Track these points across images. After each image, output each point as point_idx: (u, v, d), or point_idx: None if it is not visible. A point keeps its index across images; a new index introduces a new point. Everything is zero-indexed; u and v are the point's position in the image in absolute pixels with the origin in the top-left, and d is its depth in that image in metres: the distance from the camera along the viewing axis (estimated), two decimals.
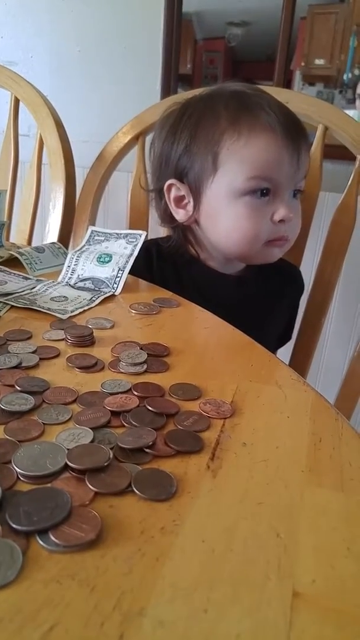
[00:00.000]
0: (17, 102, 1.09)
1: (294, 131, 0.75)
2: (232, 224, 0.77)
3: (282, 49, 1.33)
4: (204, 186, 0.78)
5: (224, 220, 0.78)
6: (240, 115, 0.75)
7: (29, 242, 1.07)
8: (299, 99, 0.92)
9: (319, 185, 0.94)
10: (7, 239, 0.91)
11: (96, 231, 0.71)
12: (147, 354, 0.45)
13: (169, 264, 0.85)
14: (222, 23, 1.43)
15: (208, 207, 0.78)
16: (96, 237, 0.70)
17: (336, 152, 0.98)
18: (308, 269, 0.98)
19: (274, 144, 0.74)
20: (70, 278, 0.65)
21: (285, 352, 0.98)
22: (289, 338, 0.98)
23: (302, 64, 1.38)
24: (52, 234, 1.01)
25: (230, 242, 0.79)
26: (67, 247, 0.79)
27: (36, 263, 0.70)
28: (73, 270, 0.65)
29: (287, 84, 1.37)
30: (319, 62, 1.37)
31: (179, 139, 0.79)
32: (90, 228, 0.71)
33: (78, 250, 0.68)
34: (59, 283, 0.64)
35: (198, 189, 0.78)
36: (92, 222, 1.06)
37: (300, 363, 0.98)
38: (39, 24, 1.43)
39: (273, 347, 0.52)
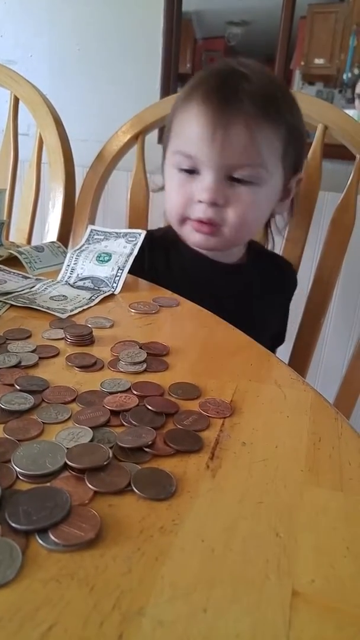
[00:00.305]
0: (16, 101, 1.09)
1: (234, 107, 0.69)
2: (167, 196, 0.79)
3: (281, 48, 1.33)
4: (164, 157, 0.80)
5: (166, 191, 0.80)
6: (194, 87, 0.74)
7: (29, 241, 1.07)
8: (299, 99, 0.91)
9: (318, 185, 0.94)
10: (7, 237, 0.91)
11: (95, 230, 0.71)
12: (147, 353, 0.45)
13: (160, 251, 0.84)
14: (222, 22, 1.43)
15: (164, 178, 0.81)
16: (95, 236, 0.70)
17: (336, 151, 0.98)
18: (307, 269, 0.98)
19: (201, 119, 0.71)
20: (69, 277, 0.65)
21: (284, 351, 0.98)
22: (282, 340, 0.97)
23: (302, 63, 1.38)
24: (51, 233, 1.01)
25: (167, 215, 0.80)
26: (66, 246, 0.79)
27: (36, 262, 0.69)
28: (72, 270, 0.65)
29: (287, 83, 1.37)
30: (319, 61, 1.37)
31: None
32: (90, 227, 0.71)
33: (77, 250, 0.68)
34: (58, 282, 0.64)
35: (163, 160, 0.81)
36: (92, 221, 1.06)
37: (299, 362, 0.98)
38: (38, 23, 1.43)
39: (267, 345, 0.51)
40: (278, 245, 0.97)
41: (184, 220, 0.77)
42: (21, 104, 1.09)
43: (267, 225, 0.92)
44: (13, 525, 0.25)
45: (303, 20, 1.33)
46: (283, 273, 0.93)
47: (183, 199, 0.75)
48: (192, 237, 0.78)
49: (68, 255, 0.67)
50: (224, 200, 0.73)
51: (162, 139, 0.82)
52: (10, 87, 1.08)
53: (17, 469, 0.29)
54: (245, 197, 0.73)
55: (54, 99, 1.08)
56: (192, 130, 0.72)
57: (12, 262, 0.69)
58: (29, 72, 1.14)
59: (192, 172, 0.73)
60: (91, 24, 1.36)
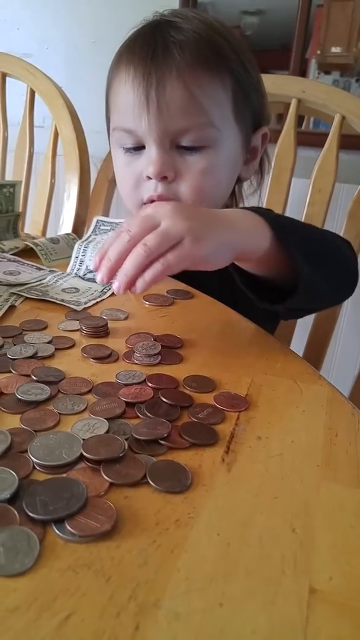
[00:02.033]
0: (32, 93, 1.09)
1: (163, 62, 0.60)
2: (117, 180, 0.71)
3: (298, 37, 1.32)
4: (109, 136, 0.72)
5: (115, 175, 0.72)
6: (121, 49, 0.65)
7: (43, 232, 1.08)
8: (316, 88, 0.90)
9: (334, 177, 0.92)
10: (22, 229, 0.91)
11: (102, 221, 0.70)
12: (161, 345, 0.45)
13: None
14: (237, 12, 1.41)
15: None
16: (102, 227, 0.70)
17: (353, 142, 0.97)
18: None
19: (129, 84, 0.62)
20: (78, 269, 0.65)
21: (299, 344, 0.98)
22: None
23: (318, 52, 1.36)
24: (66, 224, 1.01)
25: (123, 202, 0.71)
26: (81, 238, 0.79)
27: (51, 254, 0.70)
28: (81, 262, 0.65)
29: (303, 73, 1.36)
30: (336, 50, 1.35)
31: None
32: (96, 218, 0.70)
33: (84, 241, 0.68)
34: (68, 274, 0.64)
35: (109, 141, 0.72)
36: (106, 213, 1.06)
37: (314, 355, 0.97)
38: (54, 16, 1.42)
39: (264, 320, 0.48)
40: None
41: (139, 204, 0.68)
42: (37, 97, 1.09)
43: (233, 193, 0.80)
44: (31, 515, 0.25)
45: (320, 8, 1.31)
46: None
47: (132, 180, 0.66)
48: None
49: (75, 247, 0.67)
50: (174, 172, 0.64)
51: (105, 115, 0.72)
52: (27, 79, 1.08)
53: (34, 460, 0.29)
54: (198, 164, 0.64)
55: (69, 92, 1.07)
56: (124, 99, 0.63)
57: (27, 253, 0.69)
58: (45, 64, 1.14)
59: (136, 148, 0.65)
60: (107, 15, 1.35)
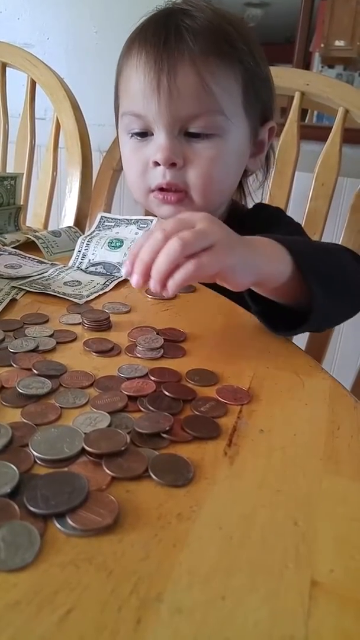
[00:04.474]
0: (33, 84, 1.08)
1: (176, 49, 0.60)
2: (124, 167, 0.71)
3: (302, 30, 1.31)
4: (117, 123, 0.72)
5: (123, 162, 0.72)
6: (132, 36, 0.65)
7: (45, 225, 1.07)
8: (320, 81, 0.90)
9: (337, 170, 0.92)
10: (24, 222, 0.91)
11: (106, 217, 0.70)
12: (164, 339, 0.45)
13: None
14: (241, 4, 1.40)
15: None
16: (106, 223, 0.70)
17: (356, 136, 0.96)
18: None
19: (140, 69, 0.62)
20: (81, 263, 0.65)
21: (301, 337, 0.97)
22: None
23: (322, 45, 1.34)
24: (68, 217, 1.01)
25: (130, 191, 0.71)
26: (83, 231, 0.78)
27: (53, 247, 0.69)
28: (84, 255, 0.65)
29: (306, 66, 1.34)
30: (339, 43, 1.34)
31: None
32: (100, 214, 0.71)
33: (88, 236, 0.68)
34: (70, 268, 0.64)
35: (116, 127, 0.72)
36: (109, 206, 1.05)
37: (316, 349, 0.97)
38: (55, 5, 1.41)
39: None
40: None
41: (146, 192, 0.68)
42: (38, 88, 1.08)
43: (240, 186, 0.80)
44: (31, 509, 0.25)
45: (324, 1, 1.30)
46: (256, 216, 0.79)
47: (140, 166, 0.66)
48: (160, 210, 0.69)
49: (79, 241, 0.67)
50: (182, 159, 0.63)
51: (114, 102, 0.72)
52: (28, 70, 1.07)
53: (35, 454, 0.29)
54: (207, 152, 0.64)
55: (71, 83, 1.07)
56: (135, 84, 0.62)
57: (29, 246, 0.69)
58: (46, 55, 1.13)
59: (145, 134, 0.65)
60: (108, 5, 1.34)
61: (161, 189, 0.65)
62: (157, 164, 0.64)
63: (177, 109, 0.61)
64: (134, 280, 0.42)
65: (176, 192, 0.66)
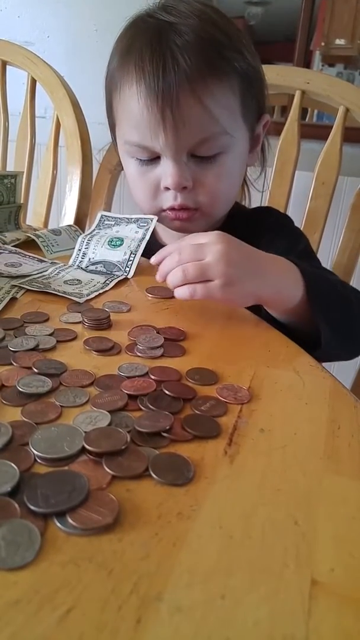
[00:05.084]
0: (34, 82, 1.08)
1: (173, 74, 0.59)
2: (131, 186, 0.71)
3: (302, 28, 1.30)
4: (113, 137, 0.72)
5: (127, 179, 0.72)
6: (125, 55, 0.64)
7: (45, 224, 1.07)
8: (320, 79, 0.90)
9: (337, 169, 0.92)
10: (24, 221, 0.91)
11: (106, 216, 0.70)
12: (164, 338, 0.45)
13: None
14: (241, 2, 1.40)
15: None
16: (106, 222, 0.70)
17: (356, 135, 0.96)
18: (326, 254, 0.97)
19: (142, 101, 0.61)
20: (81, 262, 0.65)
21: None
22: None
23: (322, 44, 1.34)
24: (68, 216, 1.01)
25: (139, 207, 0.72)
26: (83, 230, 0.78)
27: (53, 245, 0.69)
28: (84, 254, 0.65)
29: (307, 65, 1.34)
30: (340, 42, 1.34)
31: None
32: (100, 213, 0.71)
33: (88, 235, 0.68)
34: (70, 266, 0.64)
35: (112, 138, 0.73)
36: (109, 205, 1.05)
37: None
38: (55, 3, 1.41)
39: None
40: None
41: (157, 211, 0.70)
42: (38, 86, 1.08)
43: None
44: (32, 508, 0.25)
45: (324, 0, 1.30)
46: (261, 220, 0.80)
47: (149, 190, 0.68)
48: (172, 224, 0.71)
49: (79, 240, 0.67)
50: (192, 181, 0.65)
51: (106, 110, 0.72)
52: (28, 68, 1.07)
53: (35, 452, 0.29)
54: (214, 170, 0.66)
55: (71, 81, 1.06)
56: (137, 116, 0.63)
57: (29, 245, 0.69)
58: (46, 53, 1.13)
59: (151, 160, 0.66)
60: (108, 4, 1.34)
61: (173, 209, 0.68)
62: (167, 188, 0.66)
63: (183, 139, 0.62)
64: (158, 276, 0.53)
65: (187, 210, 0.68)
